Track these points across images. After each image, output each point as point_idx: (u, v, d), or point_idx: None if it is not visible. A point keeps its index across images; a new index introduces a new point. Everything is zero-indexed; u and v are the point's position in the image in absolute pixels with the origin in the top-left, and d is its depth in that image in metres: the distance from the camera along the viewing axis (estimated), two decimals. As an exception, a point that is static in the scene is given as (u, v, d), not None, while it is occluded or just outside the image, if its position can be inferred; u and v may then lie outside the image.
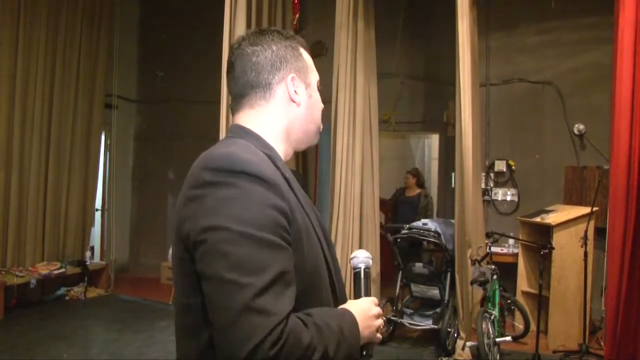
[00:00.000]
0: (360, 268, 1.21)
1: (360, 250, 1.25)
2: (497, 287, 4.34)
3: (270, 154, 1.04)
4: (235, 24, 4.69)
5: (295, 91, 1.12)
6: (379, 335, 1.11)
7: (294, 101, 1.12)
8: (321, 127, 1.22)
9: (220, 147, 0.98)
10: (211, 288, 0.87)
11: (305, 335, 0.88)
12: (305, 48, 1.19)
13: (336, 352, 0.93)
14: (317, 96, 1.20)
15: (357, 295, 1.17)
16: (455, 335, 4.53)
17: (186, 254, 0.93)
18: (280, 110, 1.12)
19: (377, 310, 1.12)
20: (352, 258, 1.23)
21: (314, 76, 1.19)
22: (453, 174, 5.31)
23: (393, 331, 4.84)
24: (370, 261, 1.23)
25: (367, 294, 1.17)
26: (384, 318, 1.09)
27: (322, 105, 1.22)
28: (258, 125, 1.11)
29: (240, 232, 0.86)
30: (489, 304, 4.27)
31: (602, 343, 4.40)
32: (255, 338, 0.81)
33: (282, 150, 1.12)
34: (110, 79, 7.11)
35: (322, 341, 0.90)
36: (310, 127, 1.18)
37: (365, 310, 1.09)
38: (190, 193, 0.93)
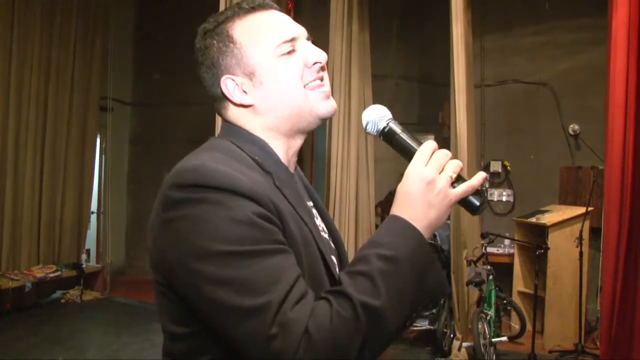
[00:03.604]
0: (384, 124, 0.95)
1: (368, 110, 0.97)
2: (492, 287, 4.35)
3: (259, 154, 0.92)
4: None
5: (234, 94, 0.95)
6: (464, 189, 0.85)
7: (241, 105, 0.95)
8: (316, 91, 1.01)
9: (189, 160, 0.85)
10: (220, 319, 0.77)
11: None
12: (249, 12, 0.97)
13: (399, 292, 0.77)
14: (274, 70, 0.93)
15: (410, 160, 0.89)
16: (452, 335, 4.53)
17: (169, 282, 0.83)
18: (244, 115, 0.96)
19: (435, 162, 0.87)
20: (365, 125, 0.96)
21: (261, 50, 0.93)
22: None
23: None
24: (389, 113, 0.97)
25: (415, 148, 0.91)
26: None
27: (295, 67, 0.96)
28: (247, 123, 0.96)
29: (228, 251, 0.75)
30: (485, 305, 4.28)
31: (597, 343, 4.41)
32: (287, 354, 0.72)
33: (280, 144, 0.97)
34: (105, 82, 7.08)
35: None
36: (285, 111, 0.94)
37: (421, 182, 0.85)
38: (165, 216, 0.81)
